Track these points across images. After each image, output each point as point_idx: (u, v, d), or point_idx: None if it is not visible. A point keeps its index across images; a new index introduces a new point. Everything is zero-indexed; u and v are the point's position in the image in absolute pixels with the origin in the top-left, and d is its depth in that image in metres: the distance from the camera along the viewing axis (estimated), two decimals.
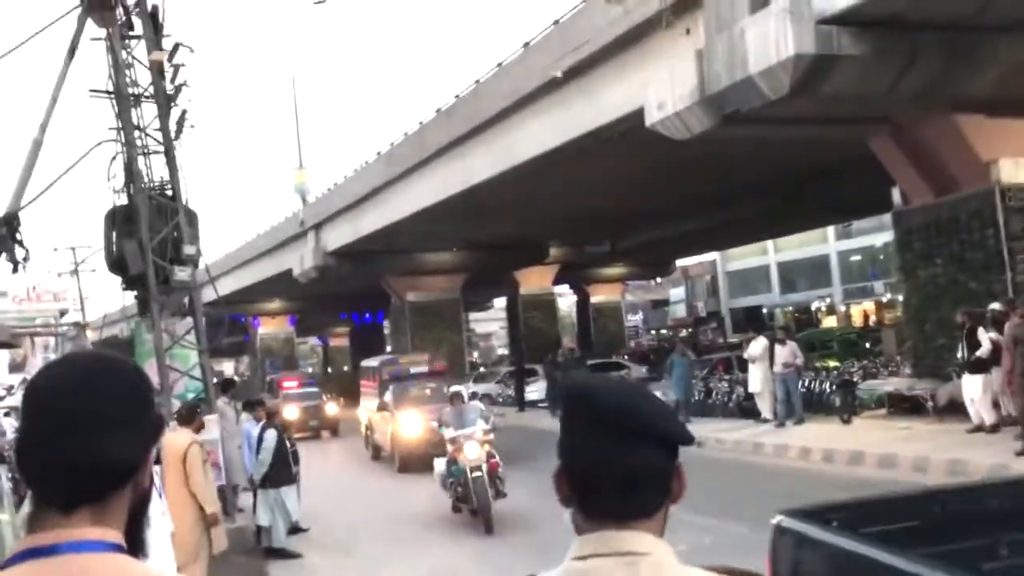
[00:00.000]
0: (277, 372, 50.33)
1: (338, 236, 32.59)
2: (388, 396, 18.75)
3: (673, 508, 1.47)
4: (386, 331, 52.53)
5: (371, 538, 11.40)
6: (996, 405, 12.93)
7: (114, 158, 11.60)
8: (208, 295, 14.95)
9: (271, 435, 10.46)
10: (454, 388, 13.63)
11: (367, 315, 54.56)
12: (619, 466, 1.40)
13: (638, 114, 15.06)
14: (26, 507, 6.77)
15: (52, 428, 1.23)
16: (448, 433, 11.98)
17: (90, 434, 1.23)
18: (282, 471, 10.54)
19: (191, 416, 9.04)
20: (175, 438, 8.86)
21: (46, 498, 1.25)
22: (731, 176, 23.98)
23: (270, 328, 53.92)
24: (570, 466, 1.44)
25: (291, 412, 23.38)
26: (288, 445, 10.79)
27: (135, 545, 1.30)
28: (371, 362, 24.74)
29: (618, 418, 1.40)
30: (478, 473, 11.18)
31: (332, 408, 28.79)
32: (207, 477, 8.68)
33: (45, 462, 1.23)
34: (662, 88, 14.32)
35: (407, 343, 35.02)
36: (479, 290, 42.87)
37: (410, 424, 17.14)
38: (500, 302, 56.74)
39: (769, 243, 53.08)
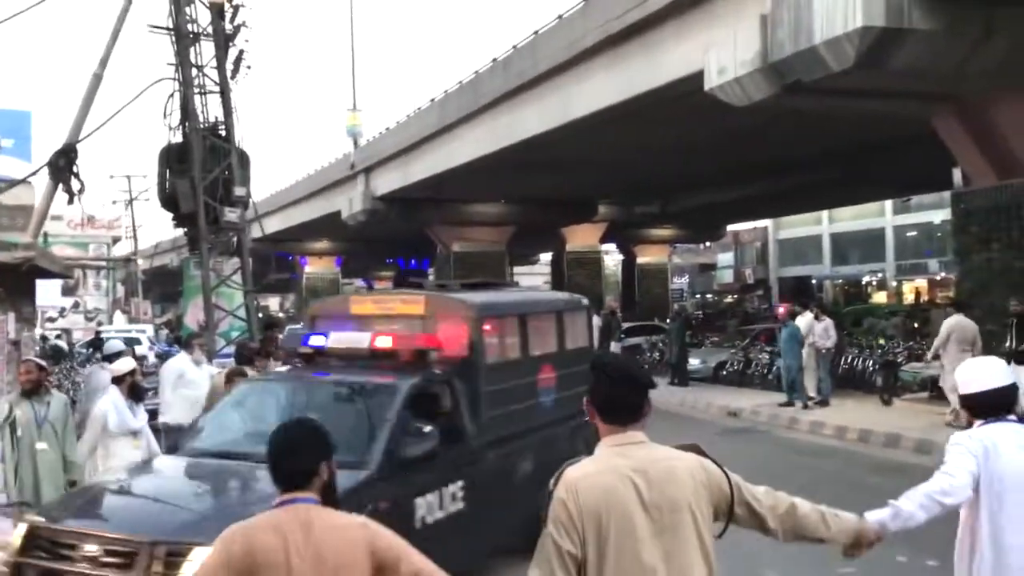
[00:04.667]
0: None
1: (388, 181, 32.68)
2: None
3: None
4: (430, 278, 52.90)
5: None
6: None
7: (171, 95, 11.71)
8: (255, 232, 15.15)
9: None
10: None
11: (412, 261, 54.95)
12: (638, 396, 2.71)
13: (697, 77, 14.77)
14: (86, 438, 6.95)
15: (282, 453, 2.67)
16: None
17: (297, 456, 2.65)
18: None
19: (250, 359, 9.25)
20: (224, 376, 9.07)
21: (280, 483, 2.64)
22: (788, 145, 23.51)
23: (317, 268, 54.64)
24: (602, 397, 2.71)
25: None
26: None
27: (328, 502, 2.65)
28: None
29: (631, 370, 2.79)
30: None
31: None
32: None
33: (282, 470, 2.65)
34: (724, 52, 14.02)
35: None
36: (525, 244, 42.84)
37: None
38: (546, 257, 56.71)
39: (824, 213, 52.14)
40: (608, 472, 2.62)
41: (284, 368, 9.79)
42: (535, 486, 6.44)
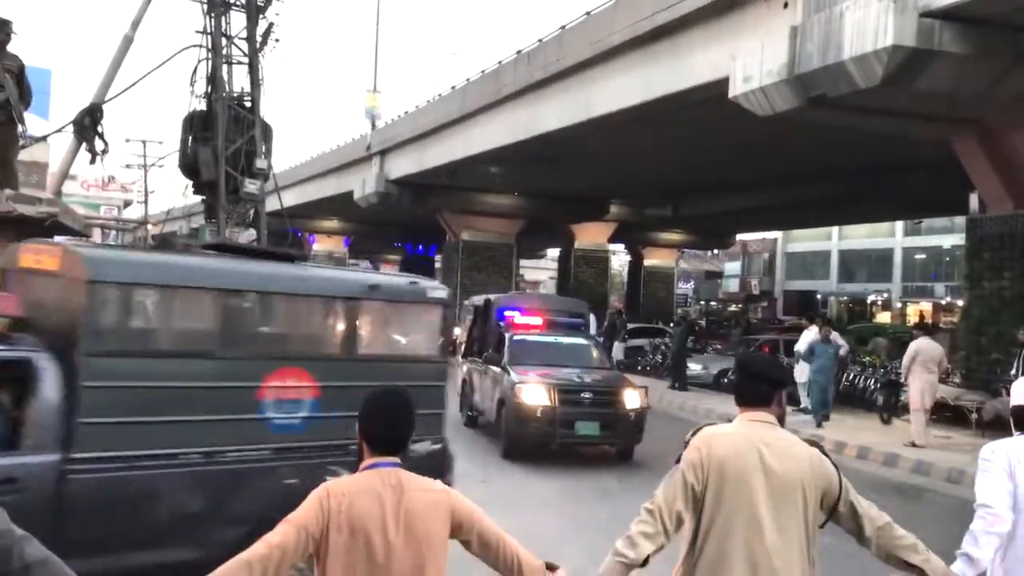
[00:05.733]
0: None
1: (402, 165, 32.72)
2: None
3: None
4: (437, 265, 52.96)
5: None
6: None
7: (198, 63, 11.75)
8: (271, 205, 15.18)
9: None
10: None
11: (420, 247, 55.01)
12: (770, 389, 3.20)
13: (722, 84, 14.79)
14: None
15: (393, 421, 2.88)
16: None
17: (406, 425, 2.89)
18: None
19: None
20: None
21: (379, 448, 2.85)
22: (806, 158, 23.52)
23: (325, 246, 54.66)
24: (742, 387, 3.24)
25: (534, 395, 11.70)
26: None
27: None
28: None
29: (768, 368, 3.31)
30: None
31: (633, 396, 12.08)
32: None
33: (389, 436, 2.86)
34: (751, 60, 14.03)
35: (456, 281, 35.27)
36: (534, 238, 42.86)
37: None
38: (553, 252, 56.71)
39: (834, 229, 52.11)
40: (738, 436, 3.11)
41: None
42: (204, 526, 4.83)
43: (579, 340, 13.84)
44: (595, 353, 13.68)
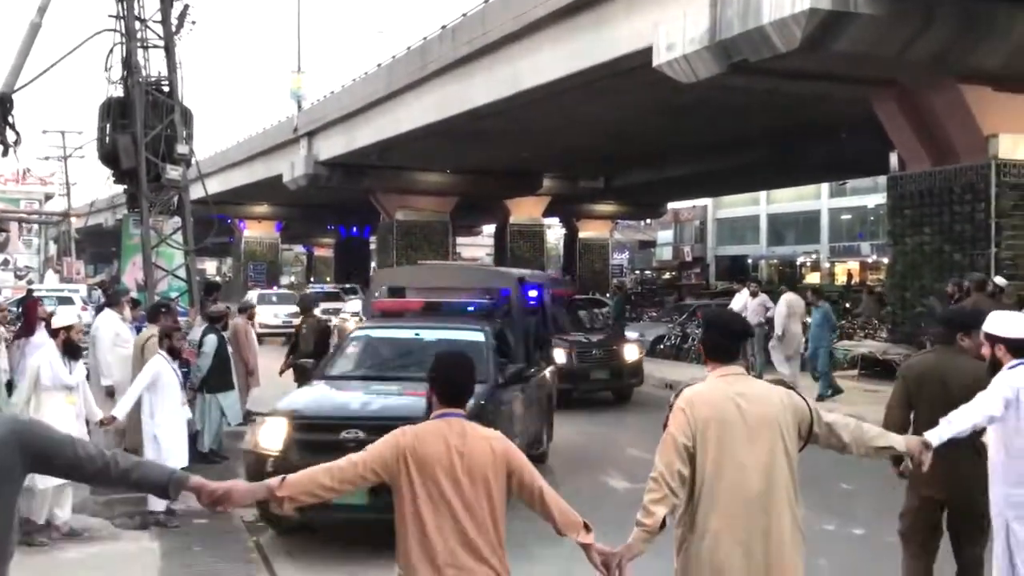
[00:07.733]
0: (262, 277, 50.34)
1: (331, 146, 32.29)
2: None
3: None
4: (372, 247, 52.52)
5: None
6: None
7: (112, 48, 11.41)
8: (197, 192, 14.87)
9: (211, 340, 9.96)
10: None
11: (354, 229, 54.43)
12: (735, 342, 3.62)
13: (646, 53, 14.89)
14: (20, 392, 6.75)
15: (458, 377, 3.35)
16: None
17: (467, 381, 3.38)
18: (221, 376, 9.94)
19: (156, 316, 9.09)
20: (147, 334, 8.97)
21: (446, 400, 3.30)
22: (732, 124, 23.83)
23: (256, 232, 53.75)
24: (710, 342, 3.58)
25: (270, 436, 7.07)
26: (229, 350, 10.26)
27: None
28: None
29: (732, 323, 3.81)
30: None
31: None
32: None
33: (454, 390, 3.32)
34: (673, 29, 14.15)
35: (392, 261, 35.04)
36: (469, 214, 42.80)
37: None
38: (489, 229, 56.65)
39: (762, 194, 53.05)
40: (716, 392, 3.46)
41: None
42: None
43: (463, 335, 8.44)
44: (483, 354, 7.94)
